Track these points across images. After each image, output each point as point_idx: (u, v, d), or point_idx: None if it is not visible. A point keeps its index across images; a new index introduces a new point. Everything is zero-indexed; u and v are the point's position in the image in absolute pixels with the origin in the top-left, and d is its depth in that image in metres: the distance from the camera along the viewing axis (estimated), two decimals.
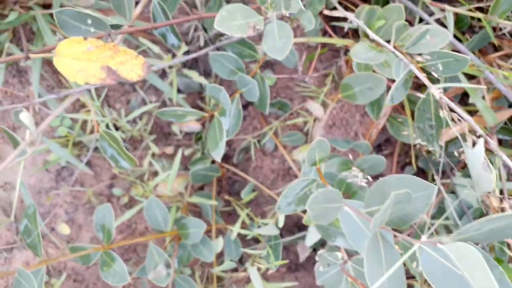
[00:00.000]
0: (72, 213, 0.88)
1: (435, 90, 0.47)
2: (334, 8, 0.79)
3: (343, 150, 0.72)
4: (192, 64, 0.94)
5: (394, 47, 0.58)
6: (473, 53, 0.76)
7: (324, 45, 0.82)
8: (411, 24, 0.86)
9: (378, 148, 0.91)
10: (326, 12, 0.76)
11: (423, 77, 0.49)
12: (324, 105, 0.89)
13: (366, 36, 0.68)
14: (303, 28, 0.61)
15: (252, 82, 0.64)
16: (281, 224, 0.74)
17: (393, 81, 0.55)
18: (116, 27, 0.62)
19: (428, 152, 0.81)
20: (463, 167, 0.79)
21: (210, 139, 0.63)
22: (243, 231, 0.79)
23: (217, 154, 0.61)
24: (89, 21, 0.58)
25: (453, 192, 0.77)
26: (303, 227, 0.92)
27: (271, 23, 0.55)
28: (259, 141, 0.92)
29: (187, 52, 0.87)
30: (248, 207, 0.87)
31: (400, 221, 0.39)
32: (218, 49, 0.71)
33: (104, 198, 0.89)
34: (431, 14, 0.77)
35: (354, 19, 0.62)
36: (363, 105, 0.90)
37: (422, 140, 0.56)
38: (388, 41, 0.61)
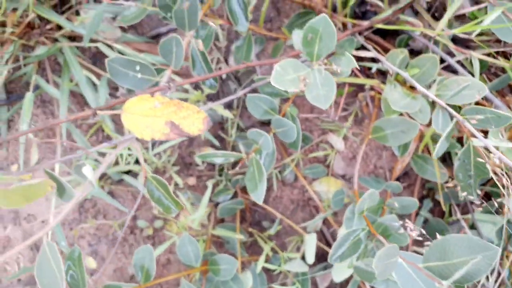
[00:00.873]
0: (95, 245, 0.88)
1: (495, 157, 0.50)
2: (361, 48, 0.82)
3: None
4: (213, 96, 0.95)
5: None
6: (491, 92, 0.79)
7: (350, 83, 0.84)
8: None
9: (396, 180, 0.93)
10: (354, 52, 0.79)
11: (476, 132, 0.52)
12: (344, 137, 0.92)
13: (399, 80, 0.71)
14: (340, 72, 0.63)
15: (289, 124, 0.65)
16: (310, 261, 0.75)
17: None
18: (159, 71, 0.63)
19: (448, 187, 0.84)
20: (482, 203, 0.82)
21: (249, 181, 0.65)
22: (269, 266, 0.80)
23: (258, 196, 0.63)
24: (137, 68, 0.59)
25: (473, 227, 0.79)
26: (322, 258, 0.94)
27: (313, 73, 0.57)
28: (280, 171, 0.93)
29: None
30: (272, 240, 0.88)
31: (463, 280, 0.41)
32: (250, 90, 0.73)
33: (128, 229, 0.90)
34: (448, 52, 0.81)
35: (393, 67, 0.64)
36: (362, 134, 0.93)
37: (462, 190, 0.59)
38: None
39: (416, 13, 0.90)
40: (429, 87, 0.68)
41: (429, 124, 0.67)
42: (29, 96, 0.81)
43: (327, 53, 0.57)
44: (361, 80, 0.74)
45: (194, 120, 0.49)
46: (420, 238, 0.56)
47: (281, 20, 0.96)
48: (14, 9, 0.82)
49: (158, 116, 0.48)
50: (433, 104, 0.64)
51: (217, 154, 0.65)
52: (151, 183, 0.58)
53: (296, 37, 0.68)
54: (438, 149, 0.53)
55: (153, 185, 0.58)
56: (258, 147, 0.67)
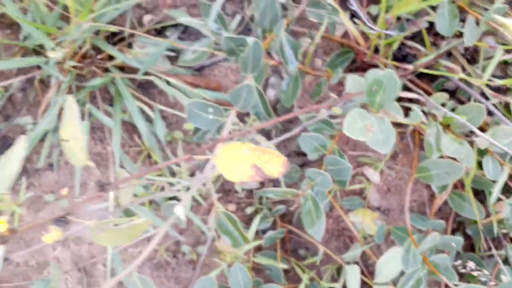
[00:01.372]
0: (139, 268, 0.91)
1: None
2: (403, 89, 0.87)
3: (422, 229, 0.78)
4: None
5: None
6: None
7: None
8: (462, 102, 0.94)
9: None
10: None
11: None
12: (380, 170, 0.96)
13: (442, 124, 0.75)
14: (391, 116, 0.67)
15: (345, 164, 0.69)
16: None
17: None
18: (226, 110, 0.67)
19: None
20: None
21: (306, 217, 0.69)
22: None
23: (316, 233, 0.66)
24: (210, 110, 0.63)
25: (507, 262, 0.84)
26: None
27: (376, 120, 0.62)
28: None
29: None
30: (310, 269, 0.92)
31: None
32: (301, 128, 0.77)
33: (170, 253, 0.93)
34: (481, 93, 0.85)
35: (450, 113, 0.68)
36: (408, 173, 0.97)
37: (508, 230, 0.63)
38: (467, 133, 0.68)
39: (449, 55, 0.96)
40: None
41: None
42: (84, 124, 0.84)
43: (388, 103, 0.61)
44: (405, 121, 0.79)
45: (275, 164, 0.53)
46: (475, 274, 0.60)
47: (319, 57, 1.01)
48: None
49: (245, 161, 0.52)
50: (479, 151, 0.68)
51: (274, 191, 0.69)
52: (222, 217, 0.61)
53: (350, 82, 0.73)
54: (494, 197, 0.57)
55: (224, 219, 0.61)
56: (313, 184, 0.71)
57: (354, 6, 0.75)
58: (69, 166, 0.91)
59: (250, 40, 0.69)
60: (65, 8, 0.84)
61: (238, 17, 0.89)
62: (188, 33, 1.01)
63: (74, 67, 0.88)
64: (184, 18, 0.74)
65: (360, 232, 0.94)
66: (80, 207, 0.90)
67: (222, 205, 0.96)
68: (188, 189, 0.62)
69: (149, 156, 0.94)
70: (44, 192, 0.89)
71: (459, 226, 0.97)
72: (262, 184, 0.98)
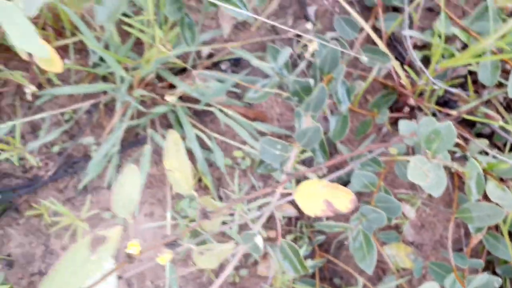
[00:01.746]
0: (183, 286, 0.96)
1: None
2: None
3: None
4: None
5: None
6: None
7: None
8: (500, 149, 1.00)
9: (460, 251, 1.02)
10: None
11: None
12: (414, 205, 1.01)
13: (484, 169, 0.81)
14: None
15: (395, 203, 0.75)
16: None
17: None
18: (290, 147, 0.73)
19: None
20: None
21: (356, 250, 0.74)
22: None
23: (367, 266, 0.72)
24: (279, 146, 0.69)
25: None
26: None
27: (432, 166, 0.67)
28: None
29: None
30: None
31: None
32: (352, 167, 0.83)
33: (214, 274, 0.98)
34: None
35: (504, 158, 0.74)
36: (449, 212, 1.02)
37: None
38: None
39: (486, 102, 1.02)
40: None
41: None
42: (147, 149, 0.91)
43: (444, 151, 0.67)
44: (460, 168, 0.84)
45: (344, 200, 0.59)
46: None
47: (363, 97, 1.07)
48: (135, 68, 0.93)
49: (319, 196, 0.57)
50: None
51: (329, 225, 0.75)
52: (284, 245, 0.67)
53: (403, 125, 0.79)
54: None
55: (286, 247, 0.67)
56: (365, 219, 0.76)
57: (415, 58, 0.81)
58: None
59: (312, 82, 0.76)
60: (137, 39, 0.91)
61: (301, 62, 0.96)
62: (240, 66, 1.08)
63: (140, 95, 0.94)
64: (255, 61, 0.80)
65: (394, 264, 0.99)
66: (138, 225, 0.95)
67: (264, 231, 1.01)
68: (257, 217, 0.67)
69: (199, 180, 0.99)
70: (101, 209, 0.95)
71: (488, 264, 1.01)
72: (301, 214, 1.03)
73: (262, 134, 1.00)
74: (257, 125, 0.95)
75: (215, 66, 1.04)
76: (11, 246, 0.90)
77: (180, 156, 0.56)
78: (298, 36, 1.13)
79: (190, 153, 0.96)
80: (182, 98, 1.00)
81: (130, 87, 0.91)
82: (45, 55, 0.46)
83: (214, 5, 0.79)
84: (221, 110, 0.96)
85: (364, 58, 0.84)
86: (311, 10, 1.13)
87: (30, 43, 0.44)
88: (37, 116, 0.85)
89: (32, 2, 0.41)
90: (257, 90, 0.81)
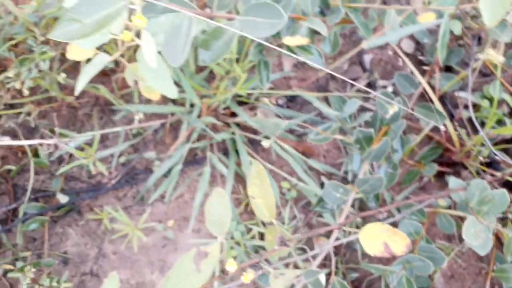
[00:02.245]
0: None
1: None
2: None
3: None
4: None
5: None
6: None
7: None
8: None
9: None
10: None
11: None
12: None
13: None
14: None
15: (439, 254, 0.80)
16: None
17: None
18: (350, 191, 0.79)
19: None
20: None
21: None
22: None
23: None
24: (341, 190, 0.75)
25: None
26: None
27: (482, 226, 0.73)
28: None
29: None
30: None
31: None
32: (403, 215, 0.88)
33: None
34: None
35: None
36: (479, 266, 1.07)
37: None
38: None
39: None
40: None
41: None
42: (207, 171, 0.97)
43: (495, 214, 0.72)
44: (505, 231, 0.89)
45: (400, 244, 0.64)
46: None
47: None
48: (204, 95, 1.00)
49: (379, 238, 0.63)
50: None
51: (375, 268, 0.80)
52: (336, 283, 0.72)
53: (453, 182, 0.84)
54: None
55: (337, 286, 0.72)
56: (408, 265, 0.81)
57: (474, 121, 0.86)
58: (178, 202, 1.03)
59: (372, 132, 0.82)
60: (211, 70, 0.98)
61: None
62: (295, 102, 1.15)
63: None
64: (317, 103, 0.87)
65: None
66: (185, 239, 1.01)
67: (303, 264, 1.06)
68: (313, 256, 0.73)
69: (246, 204, 1.05)
70: (154, 221, 1.01)
71: None
72: (337, 250, 1.08)
73: (310, 168, 1.06)
74: (309, 161, 1.01)
75: (274, 99, 1.11)
76: (68, 244, 0.96)
77: (265, 186, 0.62)
78: (354, 79, 1.20)
79: (243, 179, 1.03)
80: (240, 125, 1.07)
81: (199, 113, 0.98)
82: (174, 96, 0.53)
83: (292, 50, 0.86)
84: (275, 142, 1.02)
85: (421, 117, 0.90)
86: (367, 58, 1.20)
87: (163, 85, 0.51)
88: (114, 129, 0.92)
89: (177, 56, 0.48)
90: (318, 132, 0.87)
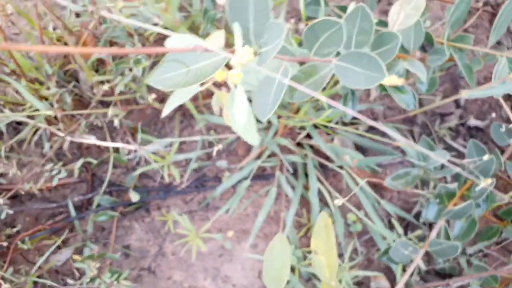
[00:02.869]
0: None
1: None
2: None
3: None
4: None
5: None
6: None
7: None
8: None
9: None
10: None
11: None
12: None
13: None
14: None
15: None
16: None
17: None
18: (419, 250, 0.74)
19: None
20: None
21: None
22: None
23: None
24: (410, 249, 0.71)
25: None
26: None
27: None
28: None
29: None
30: None
31: None
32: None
33: None
34: None
35: None
36: None
37: None
38: None
39: None
40: None
41: None
42: (273, 191, 0.96)
43: None
44: None
45: None
46: None
47: None
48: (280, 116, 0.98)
49: None
50: None
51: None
52: None
53: None
54: None
55: None
56: None
57: None
58: (240, 214, 1.03)
59: (456, 187, 0.76)
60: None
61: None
62: (377, 130, 1.10)
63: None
64: (405, 144, 0.82)
65: None
66: (242, 252, 1.02)
67: None
68: None
69: (308, 229, 1.03)
70: (214, 228, 1.02)
71: None
72: (392, 287, 1.04)
73: (378, 203, 1.02)
74: (381, 201, 0.96)
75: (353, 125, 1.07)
76: (132, 238, 1.01)
77: (329, 242, 0.60)
78: (445, 115, 1.12)
79: (308, 203, 1.01)
80: (313, 147, 1.04)
81: (275, 133, 0.97)
82: (256, 143, 0.52)
83: (385, 89, 0.81)
84: (348, 173, 0.99)
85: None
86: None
87: (248, 134, 0.50)
88: (194, 138, 0.93)
89: (264, 111, 0.47)
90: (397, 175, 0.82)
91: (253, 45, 0.45)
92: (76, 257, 0.82)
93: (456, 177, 0.81)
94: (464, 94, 0.75)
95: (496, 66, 0.77)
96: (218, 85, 0.76)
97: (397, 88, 0.78)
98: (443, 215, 0.76)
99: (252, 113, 0.50)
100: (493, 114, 1.12)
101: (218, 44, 0.50)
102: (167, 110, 0.60)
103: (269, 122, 0.98)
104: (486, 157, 0.72)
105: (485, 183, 0.64)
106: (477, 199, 0.77)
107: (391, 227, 1.01)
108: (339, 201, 0.60)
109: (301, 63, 0.58)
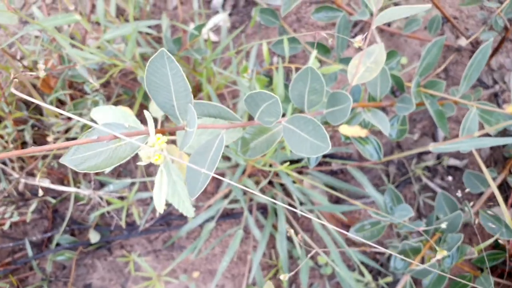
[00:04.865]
0: None
1: None
2: None
3: None
4: None
5: None
6: None
7: None
8: None
9: None
10: None
11: None
12: None
13: None
14: None
15: None
16: None
17: None
18: None
19: None
20: None
21: None
22: None
23: None
24: None
25: None
26: None
27: None
28: None
29: None
30: None
31: None
32: None
33: None
34: None
35: None
36: None
37: None
38: None
39: None
40: None
41: None
42: (240, 233, 0.93)
43: None
44: None
45: None
46: None
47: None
48: None
49: None
50: None
51: None
52: None
53: None
54: None
55: None
56: None
57: None
58: (207, 254, 1.00)
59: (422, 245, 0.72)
60: None
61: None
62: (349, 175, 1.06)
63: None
64: (373, 193, 0.79)
65: None
66: None
67: None
68: None
69: (276, 271, 1.00)
70: (180, 268, 0.99)
71: None
72: None
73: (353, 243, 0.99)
74: (349, 249, 0.93)
75: (326, 164, 1.04)
76: (94, 277, 0.98)
77: None
78: (422, 153, 1.09)
79: (273, 239, 0.97)
80: (284, 186, 1.01)
81: (243, 171, 0.94)
82: (191, 215, 0.49)
83: (348, 138, 0.78)
84: (317, 216, 0.96)
85: (485, 226, 0.79)
86: (441, 133, 1.08)
87: (185, 207, 0.48)
88: (155, 178, 0.90)
89: (194, 189, 0.44)
90: (364, 225, 0.79)
91: (180, 122, 0.43)
92: None
93: (425, 231, 0.78)
94: (431, 148, 0.72)
95: (464, 119, 0.74)
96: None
97: (361, 138, 0.75)
98: (407, 272, 0.73)
99: (186, 188, 0.48)
100: (470, 156, 1.08)
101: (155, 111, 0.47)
102: (107, 170, 0.57)
103: (237, 164, 0.95)
104: (443, 225, 0.69)
105: (440, 254, 0.61)
106: (447, 250, 0.74)
107: (361, 273, 0.98)
108: (284, 276, 0.57)
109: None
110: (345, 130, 0.72)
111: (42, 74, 0.50)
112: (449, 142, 0.71)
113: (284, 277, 0.57)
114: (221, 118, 0.54)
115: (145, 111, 0.36)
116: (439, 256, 0.59)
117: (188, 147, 0.54)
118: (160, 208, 0.39)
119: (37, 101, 0.34)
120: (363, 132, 0.72)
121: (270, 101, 0.46)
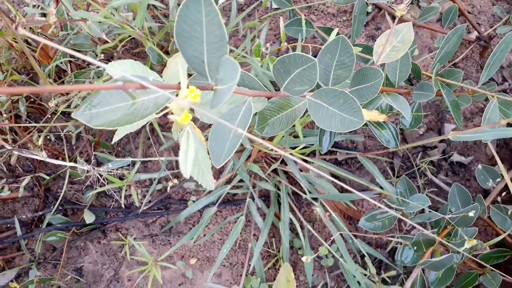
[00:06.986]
0: None
1: None
2: None
3: None
4: None
5: None
6: None
7: None
8: None
9: None
10: None
11: None
12: None
13: None
14: None
15: None
16: None
17: None
18: None
19: None
20: None
21: None
22: None
23: None
24: None
25: None
26: None
27: None
28: None
29: None
30: None
31: None
32: None
33: None
34: None
35: None
36: None
37: None
38: None
39: None
40: None
41: None
42: (242, 220, 0.89)
43: None
44: None
45: None
46: None
47: None
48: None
49: None
50: None
51: None
52: None
53: None
54: None
55: None
56: None
57: None
58: (206, 241, 0.96)
59: (435, 234, 0.70)
60: None
61: None
62: (355, 160, 1.04)
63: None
64: (383, 181, 0.76)
65: None
66: (204, 280, 0.95)
67: None
68: None
69: (276, 260, 0.97)
70: (176, 254, 0.95)
71: None
72: None
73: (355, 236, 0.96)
74: (355, 240, 0.90)
75: (332, 153, 1.01)
76: (86, 260, 0.93)
77: None
78: (428, 148, 1.07)
79: (279, 232, 0.94)
80: (288, 174, 0.98)
81: (248, 156, 0.90)
82: (211, 187, 0.45)
83: (365, 123, 0.75)
84: (322, 204, 0.93)
85: (495, 222, 0.77)
86: (448, 128, 1.06)
87: (206, 179, 0.44)
88: (157, 158, 0.86)
89: (220, 158, 0.40)
90: (373, 216, 0.77)
91: (209, 81, 0.39)
92: (14, 284, 0.74)
93: (436, 221, 0.76)
94: (451, 136, 0.70)
95: (486, 108, 0.72)
96: None
97: (378, 123, 0.72)
98: (420, 264, 0.71)
99: (208, 157, 0.44)
100: (478, 151, 1.07)
101: (171, 74, 0.43)
102: (115, 138, 0.53)
103: (241, 144, 0.91)
104: (471, 213, 0.66)
105: (470, 243, 0.58)
106: (458, 247, 0.71)
107: (365, 262, 0.95)
108: (306, 258, 0.54)
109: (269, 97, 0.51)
110: (364, 114, 0.69)
111: (52, 20, 0.45)
112: (470, 131, 0.69)
113: (306, 259, 0.53)
114: (245, 86, 0.51)
115: (178, 58, 0.32)
116: (468, 245, 0.57)
117: (208, 118, 0.51)
118: (186, 174, 0.35)
119: (42, 40, 0.30)
120: (382, 117, 0.69)
121: (305, 65, 0.42)
